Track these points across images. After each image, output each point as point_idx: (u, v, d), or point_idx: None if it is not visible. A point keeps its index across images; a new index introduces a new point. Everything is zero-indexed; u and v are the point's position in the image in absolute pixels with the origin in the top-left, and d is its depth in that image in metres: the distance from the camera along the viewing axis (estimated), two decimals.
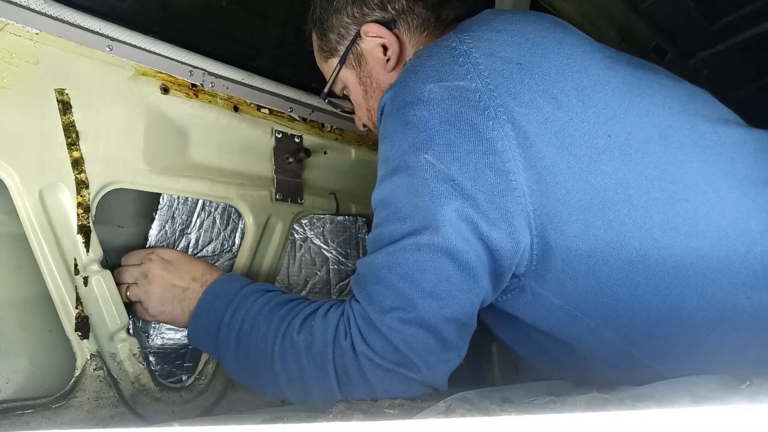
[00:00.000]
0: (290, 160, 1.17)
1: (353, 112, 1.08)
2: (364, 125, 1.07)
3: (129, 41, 0.94)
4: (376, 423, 0.40)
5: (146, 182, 0.96)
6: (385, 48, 0.94)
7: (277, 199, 1.15)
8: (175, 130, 1.02)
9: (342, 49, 0.98)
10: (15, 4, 0.82)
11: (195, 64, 1.03)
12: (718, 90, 0.95)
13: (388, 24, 0.93)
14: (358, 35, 0.95)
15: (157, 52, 0.98)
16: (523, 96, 0.70)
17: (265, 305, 0.82)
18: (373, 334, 0.70)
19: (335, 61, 1.00)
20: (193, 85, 1.03)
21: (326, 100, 1.06)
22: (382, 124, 0.78)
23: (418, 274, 0.69)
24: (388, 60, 0.94)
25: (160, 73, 0.99)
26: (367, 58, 0.96)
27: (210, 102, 1.06)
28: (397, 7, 0.92)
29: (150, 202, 1.01)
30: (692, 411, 0.35)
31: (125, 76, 0.94)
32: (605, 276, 0.70)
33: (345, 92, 1.05)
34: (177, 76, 1.01)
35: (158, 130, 0.99)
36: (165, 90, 0.99)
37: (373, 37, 0.94)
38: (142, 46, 0.96)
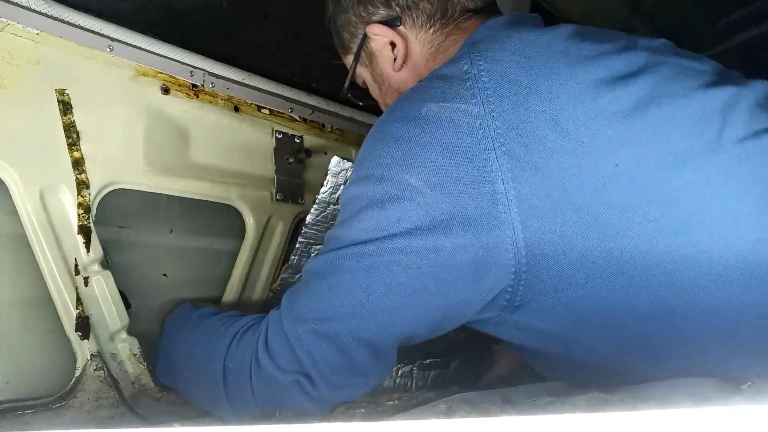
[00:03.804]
0: (291, 160, 1.17)
1: (376, 106, 1.08)
2: None
3: (129, 42, 0.94)
4: (376, 423, 0.40)
5: (147, 182, 0.96)
6: (394, 45, 0.93)
7: (277, 200, 1.15)
8: (175, 130, 1.02)
9: (355, 47, 0.98)
10: (15, 4, 0.82)
11: (195, 65, 1.03)
12: None
13: (393, 21, 0.91)
14: (366, 35, 0.94)
15: (158, 52, 0.98)
16: (528, 124, 0.66)
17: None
18: (278, 343, 0.68)
19: (351, 57, 1.00)
20: (194, 86, 1.03)
21: (348, 95, 1.06)
22: (376, 124, 0.77)
23: (346, 288, 0.66)
24: (395, 59, 0.93)
25: (161, 73, 0.99)
26: (377, 57, 0.96)
27: (210, 102, 1.06)
28: (401, 3, 0.90)
29: (150, 202, 1.01)
30: (693, 411, 0.35)
31: (126, 77, 0.94)
32: (602, 300, 0.67)
33: (365, 86, 1.05)
34: (177, 77, 1.01)
35: (159, 131, 0.99)
36: (165, 90, 0.99)
37: (380, 36, 0.93)
38: (143, 47, 0.96)
